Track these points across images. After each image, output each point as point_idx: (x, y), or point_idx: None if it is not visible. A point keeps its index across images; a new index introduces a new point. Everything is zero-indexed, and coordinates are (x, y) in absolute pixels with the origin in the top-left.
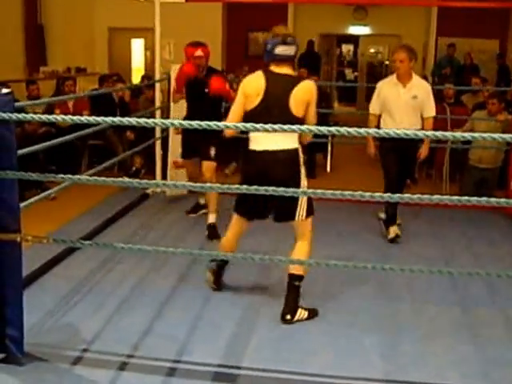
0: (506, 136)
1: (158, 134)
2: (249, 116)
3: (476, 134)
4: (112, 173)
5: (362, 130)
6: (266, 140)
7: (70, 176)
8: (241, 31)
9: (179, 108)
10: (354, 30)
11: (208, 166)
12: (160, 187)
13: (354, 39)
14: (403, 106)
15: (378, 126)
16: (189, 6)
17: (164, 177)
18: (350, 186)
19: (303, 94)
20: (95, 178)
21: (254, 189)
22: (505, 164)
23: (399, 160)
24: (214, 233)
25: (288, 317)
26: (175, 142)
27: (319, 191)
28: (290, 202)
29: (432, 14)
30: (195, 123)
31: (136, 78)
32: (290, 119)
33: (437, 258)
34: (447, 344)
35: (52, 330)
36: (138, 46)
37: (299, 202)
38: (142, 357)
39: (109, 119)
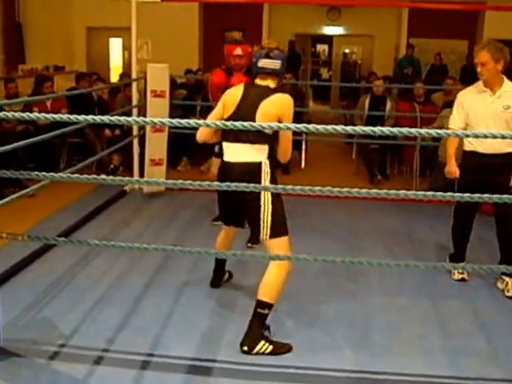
0: (465, 133)
1: (135, 131)
2: (223, 130)
3: (445, 131)
4: (90, 170)
5: (330, 127)
6: (229, 150)
7: (48, 174)
8: (217, 31)
9: (156, 106)
10: (328, 30)
11: (214, 163)
12: (137, 184)
13: (328, 39)
14: (491, 118)
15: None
16: (165, 6)
17: (141, 174)
18: (323, 181)
19: (272, 108)
20: (73, 175)
21: (216, 185)
22: None
23: (483, 187)
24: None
25: (245, 348)
26: (152, 140)
27: (289, 187)
28: (253, 217)
29: (403, 15)
30: (175, 121)
31: (114, 77)
32: (256, 133)
33: (406, 251)
34: (416, 335)
35: (29, 325)
36: (115, 45)
37: (261, 220)
38: (118, 351)
39: (87, 117)
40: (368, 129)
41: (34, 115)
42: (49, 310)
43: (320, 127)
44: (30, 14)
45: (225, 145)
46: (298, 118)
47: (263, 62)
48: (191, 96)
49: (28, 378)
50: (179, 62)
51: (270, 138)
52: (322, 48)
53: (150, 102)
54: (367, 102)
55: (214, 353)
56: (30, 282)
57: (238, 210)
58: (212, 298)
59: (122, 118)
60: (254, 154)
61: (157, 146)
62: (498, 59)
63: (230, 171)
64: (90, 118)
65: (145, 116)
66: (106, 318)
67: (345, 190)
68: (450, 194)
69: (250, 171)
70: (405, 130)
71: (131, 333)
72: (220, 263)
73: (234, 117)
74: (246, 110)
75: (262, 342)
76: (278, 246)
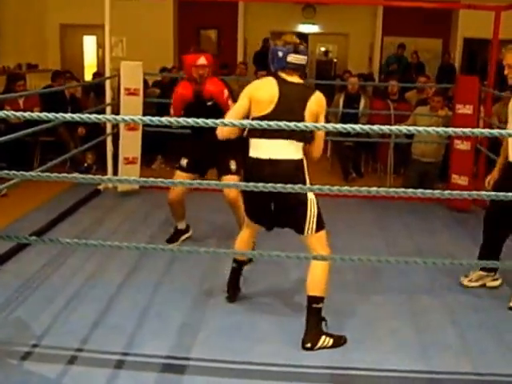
0: (445, 129)
1: (108, 130)
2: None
3: (418, 128)
4: (64, 169)
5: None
6: (268, 147)
7: (21, 172)
8: (192, 29)
9: (130, 104)
10: (304, 28)
11: (176, 176)
12: (111, 183)
13: (303, 37)
14: None
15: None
16: (140, 4)
17: (115, 173)
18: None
19: (316, 106)
20: (46, 174)
21: (187, 183)
22: (446, 158)
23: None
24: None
25: (308, 345)
26: (126, 138)
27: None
28: (297, 217)
29: (378, 13)
30: (156, 119)
31: (88, 75)
32: (304, 131)
33: (380, 248)
34: (390, 329)
35: (1, 326)
36: (90, 42)
37: (308, 216)
38: (91, 350)
39: (60, 115)
40: (341, 126)
41: (6, 113)
42: (21, 310)
43: (292, 124)
44: (3, 12)
45: (257, 141)
46: None
47: (292, 57)
48: (165, 94)
49: None
50: (154, 60)
51: (310, 136)
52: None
53: (123, 100)
54: (341, 99)
55: (188, 351)
56: (3, 282)
57: (273, 208)
58: (187, 296)
59: (93, 116)
60: (294, 150)
61: (131, 145)
62: None
63: (265, 168)
64: (60, 115)
65: (118, 114)
66: (80, 317)
67: (315, 187)
68: (420, 190)
69: (294, 168)
70: (377, 127)
71: (105, 331)
72: (239, 266)
73: (276, 112)
74: (291, 106)
75: (323, 337)
76: (321, 238)
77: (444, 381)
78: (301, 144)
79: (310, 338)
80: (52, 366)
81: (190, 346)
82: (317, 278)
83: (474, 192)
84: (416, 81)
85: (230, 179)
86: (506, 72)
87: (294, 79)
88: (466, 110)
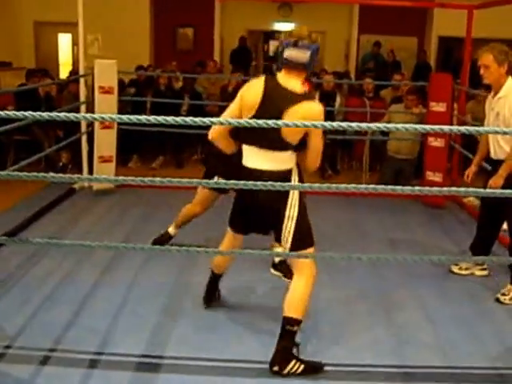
0: (419, 127)
1: (83, 128)
2: (242, 130)
3: (394, 125)
4: (39, 168)
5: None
6: (256, 156)
7: None
8: (169, 27)
9: (104, 103)
10: (280, 26)
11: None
12: (86, 182)
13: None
14: (491, 122)
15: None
16: (116, 1)
17: (91, 171)
18: None
19: (299, 119)
20: (20, 173)
21: (167, 181)
22: (421, 155)
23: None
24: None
25: (275, 368)
26: (101, 137)
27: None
28: (275, 225)
29: (354, 11)
30: (134, 117)
31: (64, 74)
32: (284, 146)
33: (355, 244)
34: (363, 325)
35: None
36: (65, 40)
37: (283, 229)
38: (65, 350)
39: (33, 114)
40: (318, 123)
41: None
42: None
43: (271, 122)
44: None
45: (247, 149)
46: None
47: (289, 53)
48: (141, 92)
49: None
50: (131, 58)
51: (297, 147)
52: (275, 44)
53: (98, 98)
54: (317, 97)
55: (162, 349)
56: None
57: (258, 217)
58: (161, 295)
59: (68, 114)
60: (282, 161)
61: (106, 143)
62: (501, 62)
63: (250, 177)
64: (34, 114)
65: (93, 112)
66: (54, 318)
67: (296, 185)
68: (396, 187)
69: (279, 180)
70: (354, 124)
71: (79, 331)
72: (215, 279)
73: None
74: (268, 115)
75: (293, 362)
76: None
77: (417, 375)
78: (290, 153)
79: (278, 362)
80: (25, 366)
81: (164, 344)
82: (296, 298)
83: (449, 188)
84: (391, 79)
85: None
86: (481, 72)
87: (293, 80)
88: (439, 107)
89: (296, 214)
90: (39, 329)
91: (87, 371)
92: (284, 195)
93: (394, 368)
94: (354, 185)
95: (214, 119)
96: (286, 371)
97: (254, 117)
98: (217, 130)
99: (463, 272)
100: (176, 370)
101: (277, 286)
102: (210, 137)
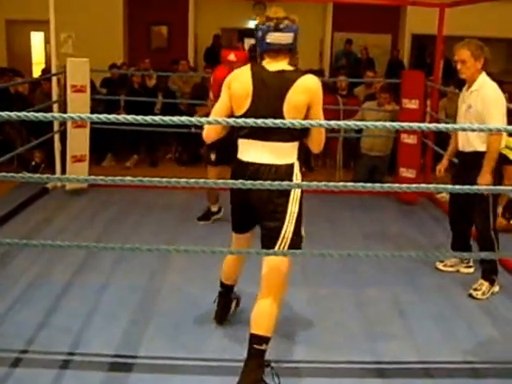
0: (394, 124)
1: (56, 127)
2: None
3: (367, 123)
4: (12, 168)
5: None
6: (254, 150)
7: None
8: (142, 25)
9: (77, 101)
10: (254, 24)
11: (208, 171)
12: (59, 181)
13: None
14: (462, 116)
15: None
16: None
17: (64, 171)
18: None
19: (301, 96)
20: None
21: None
22: (394, 151)
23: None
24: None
25: None
26: (74, 136)
27: (210, 181)
28: (272, 229)
29: (328, 10)
30: (103, 116)
31: (37, 72)
32: (288, 131)
33: (329, 241)
34: (337, 322)
35: None
36: (38, 39)
37: (284, 226)
38: (36, 351)
39: (2, 114)
40: (289, 122)
41: None
42: None
43: (240, 121)
44: None
45: (245, 142)
46: None
47: (272, 37)
48: (115, 91)
49: None
50: (104, 57)
51: (300, 134)
52: (249, 42)
53: (70, 97)
54: None
55: (135, 349)
56: None
57: (254, 214)
58: (134, 295)
59: (34, 114)
60: (283, 154)
61: (78, 142)
62: (478, 57)
63: (254, 174)
64: (4, 114)
65: (65, 112)
66: (26, 318)
67: (267, 182)
68: (374, 184)
69: (280, 175)
70: (333, 122)
71: (51, 332)
72: (226, 291)
73: (253, 110)
74: (267, 102)
75: None
76: (283, 269)
77: (391, 370)
78: (293, 144)
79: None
80: None
81: (137, 343)
82: (264, 314)
83: (422, 185)
84: (364, 76)
85: (211, 170)
86: (458, 67)
87: (278, 65)
88: (411, 104)
89: (297, 210)
90: (10, 330)
91: (60, 372)
92: (286, 192)
93: (368, 364)
94: (330, 182)
95: (203, 119)
96: None
97: (251, 107)
98: (213, 129)
99: (448, 269)
100: (148, 370)
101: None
102: (205, 138)
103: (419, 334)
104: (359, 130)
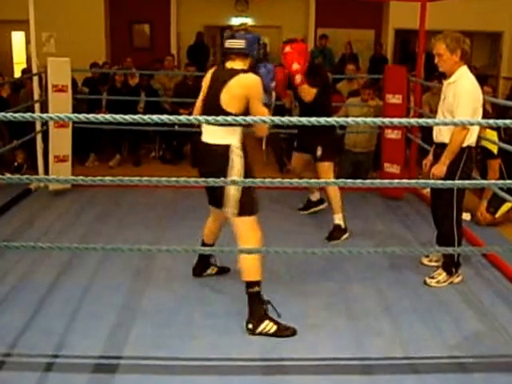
0: (376, 120)
1: (38, 127)
2: (201, 110)
3: (349, 119)
4: None
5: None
6: (205, 132)
7: None
8: (124, 23)
9: (58, 101)
10: (237, 21)
11: (319, 169)
12: (41, 182)
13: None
14: (440, 108)
15: None
16: None
17: (47, 171)
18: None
19: (238, 88)
20: None
21: (127, 179)
22: (378, 147)
23: None
24: (335, 234)
25: (250, 326)
26: (56, 136)
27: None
28: (218, 194)
29: (311, 5)
30: (83, 116)
31: (18, 73)
32: (222, 115)
33: (313, 237)
34: (322, 319)
35: None
36: (18, 38)
37: (225, 196)
38: (20, 354)
39: None
40: (277, 119)
41: None
42: None
43: (230, 118)
44: None
45: (204, 125)
46: None
47: (228, 43)
48: (96, 90)
49: None
50: (86, 56)
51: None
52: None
53: (51, 97)
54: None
55: (120, 349)
56: None
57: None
58: (119, 295)
59: (12, 115)
60: (224, 136)
61: (61, 142)
62: (453, 49)
63: (204, 150)
64: None
65: (47, 111)
66: (9, 321)
67: (258, 180)
68: (359, 180)
69: (219, 153)
70: (305, 119)
71: (35, 334)
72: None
73: (205, 99)
74: (212, 93)
75: (267, 322)
76: (243, 224)
77: (377, 366)
78: (233, 128)
79: (252, 321)
80: None
81: (122, 344)
82: (246, 264)
83: (406, 180)
84: (345, 71)
85: (319, 167)
86: (436, 60)
87: (236, 64)
88: (395, 99)
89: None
90: None
91: (44, 374)
92: (224, 167)
93: (354, 360)
94: (317, 180)
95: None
96: (258, 330)
97: (205, 95)
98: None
99: (433, 264)
100: (133, 370)
101: (234, 277)
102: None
103: (405, 329)
104: (343, 127)
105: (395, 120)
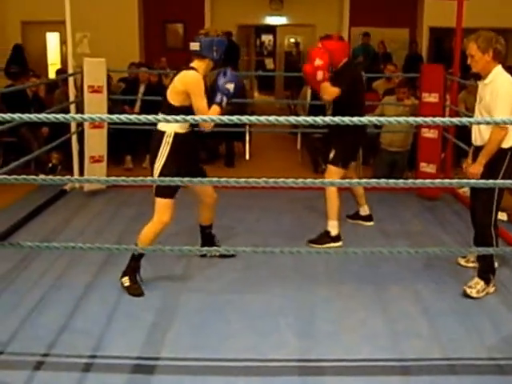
0: (410, 119)
1: (73, 128)
2: None
3: (382, 119)
4: (29, 170)
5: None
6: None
7: None
8: (158, 23)
9: (94, 102)
10: (271, 20)
11: (326, 171)
12: (76, 183)
13: (272, 29)
14: (477, 110)
15: None
16: None
17: (82, 172)
18: (268, 172)
19: (179, 84)
20: (10, 177)
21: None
22: (414, 146)
23: None
24: (319, 239)
25: (121, 280)
26: (91, 137)
27: (232, 180)
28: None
29: (345, 4)
30: (115, 116)
31: (52, 73)
32: (167, 106)
33: (351, 238)
34: (360, 320)
35: None
36: (53, 39)
37: (154, 171)
38: (59, 354)
39: (23, 116)
40: (310, 119)
41: None
42: None
43: (262, 118)
44: None
45: None
46: (240, 109)
47: (190, 45)
48: (132, 90)
49: None
50: (120, 56)
51: (180, 111)
52: (267, 38)
53: (87, 97)
54: (309, 91)
55: (157, 350)
56: None
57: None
58: (155, 296)
59: (46, 116)
60: (162, 124)
61: (96, 143)
62: (484, 50)
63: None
64: (23, 116)
65: (82, 112)
66: (46, 322)
67: (290, 180)
68: (393, 180)
69: (157, 137)
70: (347, 118)
71: (72, 335)
72: (203, 229)
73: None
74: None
75: (126, 278)
76: (160, 204)
77: (415, 368)
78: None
79: (122, 273)
80: (18, 372)
81: (159, 345)
82: (144, 232)
83: (445, 180)
84: (383, 70)
85: (328, 169)
86: (468, 61)
87: (194, 64)
88: (431, 98)
89: (163, 161)
90: (32, 333)
91: (81, 375)
92: (157, 150)
93: (392, 362)
94: (354, 180)
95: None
96: (120, 281)
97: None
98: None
99: (470, 265)
100: (171, 371)
101: (270, 282)
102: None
103: (442, 330)
104: (379, 126)
105: (428, 119)
